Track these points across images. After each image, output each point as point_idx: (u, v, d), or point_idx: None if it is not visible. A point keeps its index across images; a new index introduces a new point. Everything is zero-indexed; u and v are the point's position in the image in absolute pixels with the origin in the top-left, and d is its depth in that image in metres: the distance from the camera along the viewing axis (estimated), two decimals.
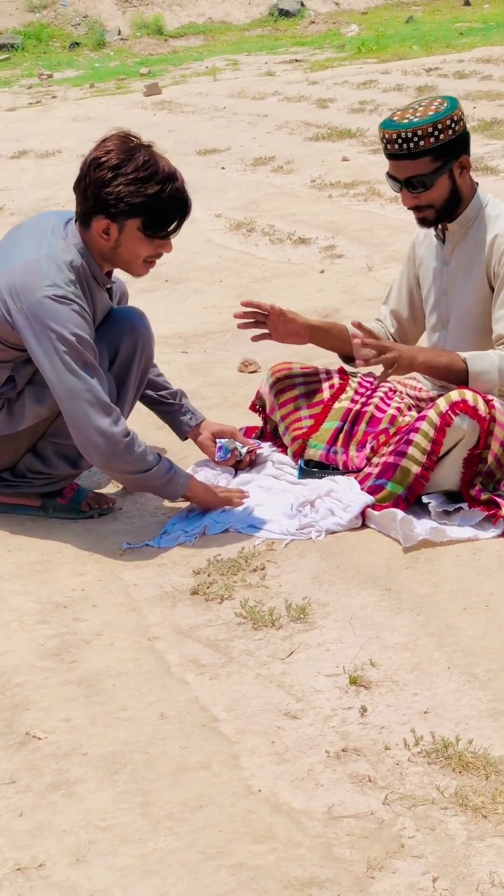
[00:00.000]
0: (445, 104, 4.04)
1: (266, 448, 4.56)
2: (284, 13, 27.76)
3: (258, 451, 4.42)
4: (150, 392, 4.40)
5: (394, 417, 4.23)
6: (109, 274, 4.04)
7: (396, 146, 4.00)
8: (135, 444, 3.84)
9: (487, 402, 3.90)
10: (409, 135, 3.97)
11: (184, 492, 4.07)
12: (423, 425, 3.89)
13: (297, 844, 2.62)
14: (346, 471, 4.25)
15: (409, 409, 4.30)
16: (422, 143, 3.98)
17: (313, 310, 6.20)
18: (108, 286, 4.05)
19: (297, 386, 4.42)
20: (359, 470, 4.19)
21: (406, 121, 3.97)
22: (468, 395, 3.88)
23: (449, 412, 3.85)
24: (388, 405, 4.30)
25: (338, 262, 7.28)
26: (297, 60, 19.61)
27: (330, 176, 9.50)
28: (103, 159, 3.75)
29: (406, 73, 15.26)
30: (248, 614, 3.52)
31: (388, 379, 4.29)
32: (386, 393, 4.40)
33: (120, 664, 3.34)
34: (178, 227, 3.89)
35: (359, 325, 4.06)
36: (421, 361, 4.04)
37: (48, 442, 4.09)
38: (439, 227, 4.27)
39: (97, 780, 2.83)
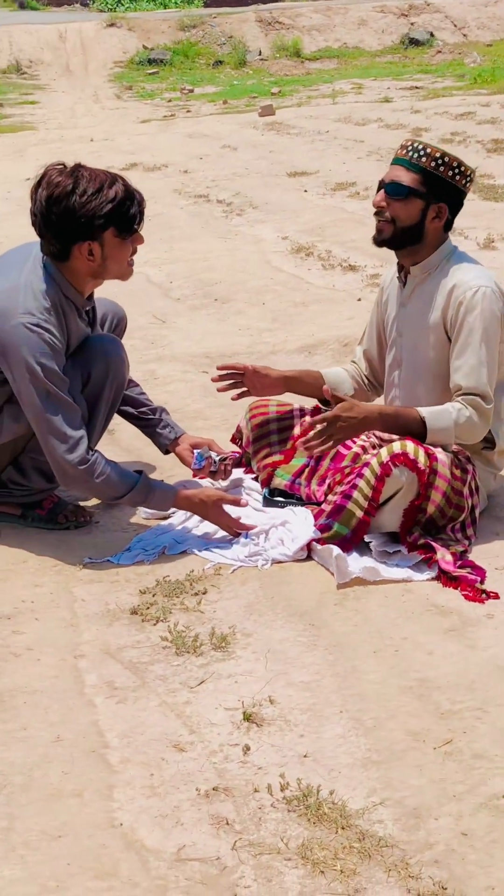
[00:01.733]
0: (467, 164, 3.88)
1: (241, 474, 4.37)
2: (414, 42, 27.31)
3: (232, 460, 4.22)
4: (129, 409, 4.29)
5: (357, 455, 4.02)
6: (91, 297, 3.89)
7: (404, 151, 3.88)
8: (94, 471, 3.71)
9: (429, 454, 3.68)
10: (420, 147, 3.85)
11: (171, 507, 3.94)
12: (367, 472, 3.70)
13: (135, 885, 2.47)
14: (308, 502, 4.05)
15: (374, 447, 4.08)
16: (423, 160, 3.84)
17: (335, 338, 6.00)
18: (87, 309, 3.88)
19: (271, 433, 4.28)
20: (319, 503, 3.98)
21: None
22: (409, 447, 3.66)
23: (389, 463, 3.64)
24: (354, 443, 4.09)
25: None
26: (416, 87, 19.24)
27: None
28: (57, 193, 3.64)
29: None
30: (173, 639, 3.35)
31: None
32: None
33: (38, 681, 3.20)
34: (142, 217, 3.78)
35: (328, 392, 3.87)
36: (377, 414, 3.82)
37: (27, 456, 3.98)
38: (402, 271, 4.03)
39: None
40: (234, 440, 4.48)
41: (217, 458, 4.13)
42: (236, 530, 3.89)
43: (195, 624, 3.47)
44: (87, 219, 3.64)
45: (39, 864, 2.52)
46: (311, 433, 3.78)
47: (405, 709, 3.03)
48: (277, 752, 2.89)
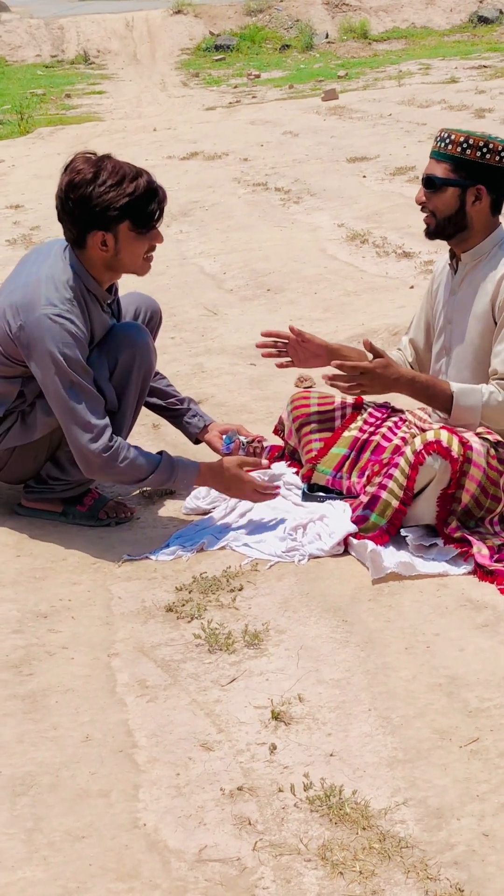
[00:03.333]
0: (501, 139, 3.83)
1: (283, 467, 4.37)
2: (483, 20, 27.04)
3: (261, 444, 4.22)
4: (158, 401, 4.33)
5: (398, 448, 4.00)
6: (111, 289, 3.91)
7: (435, 143, 3.87)
8: (118, 456, 3.75)
9: (463, 443, 3.64)
10: (445, 136, 3.84)
11: (194, 484, 3.98)
12: (402, 461, 3.68)
13: (156, 886, 2.49)
14: (349, 496, 4.04)
15: (415, 438, 4.05)
16: (449, 147, 3.82)
17: (385, 327, 5.97)
18: (108, 301, 3.90)
19: (311, 423, 4.24)
20: (358, 496, 3.97)
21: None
22: (443, 435, 3.64)
23: (422, 451, 3.63)
24: (395, 434, 4.07)
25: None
26: (484, 66, 19.03)
27: None
28: (77, 179, 3.69)
29: None
30: (206, 637, 3.36)
31: (402, 409, 4.11)
32: (395, 423, 4.17)
33: (71, 680, 3.23)
34: (161, 215, 3.80)
35: (369, 345, 3.84)
36: (409, 378, 3.84)
37: (63, 450, 4.02)
38: (453, 258, 4.00)
39: None
40: (276, 432, 4.48)
41: (245, 441, 4.14)
42: (262, 495, 3.90)
43: (229, 621, 3.48)
44: (101, 209, 3.69)
45: (62, 865, 2.54)
46: (343, 376, 3.78)
47: (433, 706, 3.02)
48: (304, 752, 2.88)
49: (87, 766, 2.86)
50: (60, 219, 3.79)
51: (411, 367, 4.28)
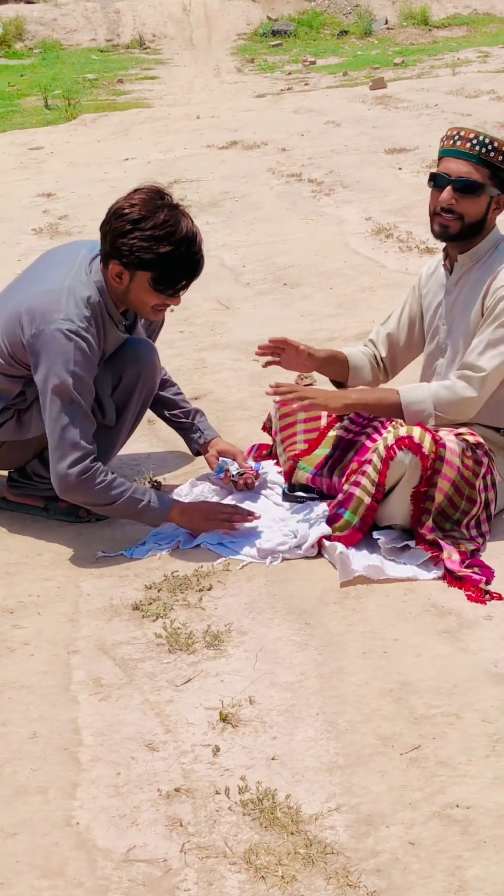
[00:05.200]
0: None
1: (270, 465, 4.41)
2: None
3: (253, 477, 4.25)
4: (165, 412, 4.42)
5: None
6: (125, 313, 3.96)
7: (469, 145, 3.80)
8: (90, 483, 3.79)
9: (436, 440, 3.67)
10: (487, 141, 3.79)
11: (164, 521, 3.97)
12: (374, 457, 3.71)
13: (78, 885, 2.54)
14: (328, 495, 4.07)
15: (387, 434, 4.07)
16: (492, 154, 3.79)
17: None
18: (124, 323, 3.96)
19: (298, 421, 4.29)
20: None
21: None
22: (416, 431, 3.67)
23: (393, 446, 3.66)
24: (380, 435, 4.10)
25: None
26: None
27: None
28: (126, 211, 3.71)
29: None
30: (167, 636, 3.42)
31: None
32: (382, 423, 4.19)
33: (28, 676, 3.29)
34: (186, 286, 3.81)
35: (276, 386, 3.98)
36: (354, 399, 3.90)
37: None
38: (447, 258, 4.02)
39: None
40: (265, 429, 4.53)
41: (235, 473, 4.20)
42: (236, 524, 3.93)
43: (194, 621, 3.53)
44: (127, 249, 3.73)
45: None
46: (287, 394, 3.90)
47: (381, 712, 3.05)
48: (247, 754, 2.93)
49: (29, 762, 2.93)
50: (100, 229, 3.85)
51: (381, 362, 4.29)
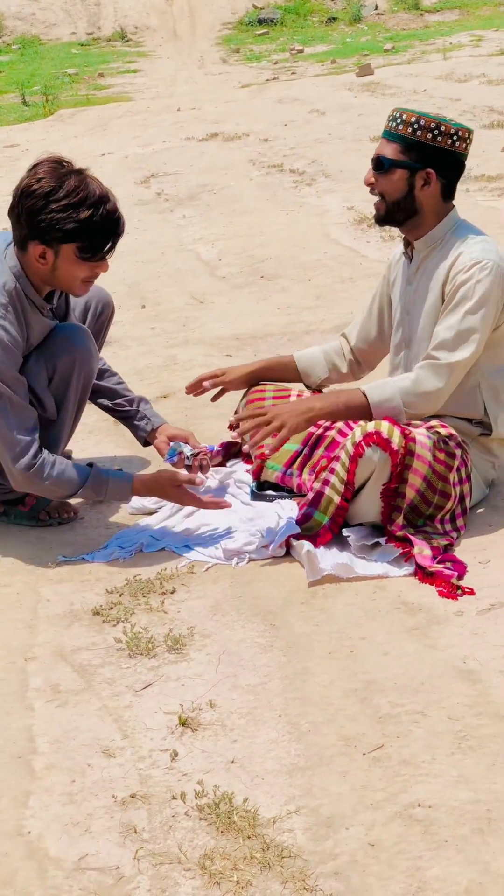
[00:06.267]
0: (455, 123, 3.88)
1: (238, 465, 4.43)
2: None
3: (208, 458, 4.26)
4: (106, 402, 4.39)
5: None
6: (50, 296, 3.97)
7: (388, 122, 3.90)
8: (42, 473, 3.81)
9: (406, 435, 3.68)
10: (397, 115, 3.86)
11: (131, 495, 4.01)
12: (342, 455, 3.72)
13: (28, 895, 2.55)
14: (298, 494, 4.09)
15: (355, 430, 4.09)
16: (401, 127, 3.85)
17: None
18: (49, 307, 3.96)
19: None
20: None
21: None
22: (384, 426, 3.69)
23: (361, 443, 3.67)
24: (350, 430, 4.11)
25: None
26: None
27: (481, 168, 9.10)
28: (34, 187, 3.69)
29: None
30: (127, 641, 3.44)
31: None
32: None
33: None
34: (113, 247, 3.79)
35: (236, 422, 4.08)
36: (318, 409, 3.88)
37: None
38: (408, 246, 4.05)
39: None
40: (231, 427, 4.52)
41: (189, 454, 4.19)
42: (206, 505, 3.94)
43: (156, 625, 3.55)
44: (47, 224, 3.71)
45: None
46: (246, 419, 3.95)
47: (344, 712, 3.07)
48: (206, 758, 2.95)
49: None
50: (9, 215, 3.83)
51: (353, 356, 4.33)
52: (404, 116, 3.83)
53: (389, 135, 3.88)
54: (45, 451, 3.85)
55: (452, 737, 2.93)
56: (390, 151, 3.87)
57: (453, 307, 3.82)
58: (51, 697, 3.24)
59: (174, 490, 3.94)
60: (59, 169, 3.74)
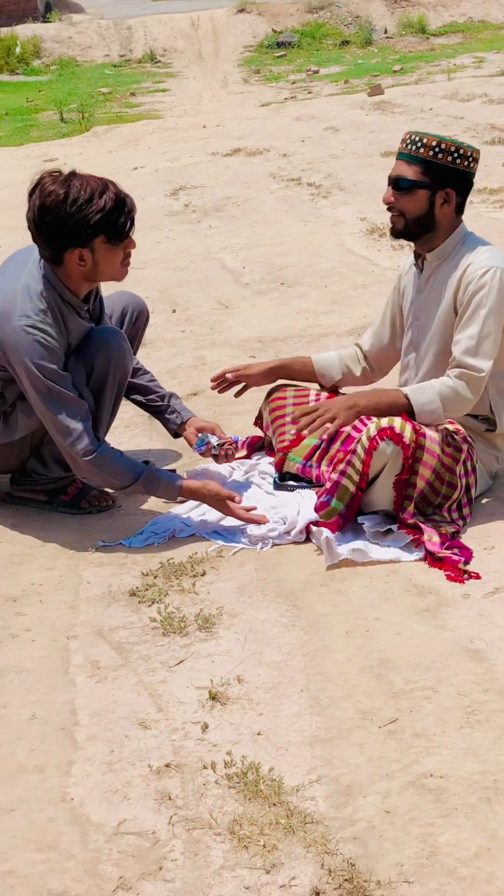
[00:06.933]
0: (468, 146, 3.87)
1: (261, 458, 4.43)
2: None
3: (233, 448, 4.25)
4: (140, 397, 4.39)
5: None
6: (88, 297, 3.96)
7: (405, 146, 3.87)
8: (100, 461, 3.78)
9: (416, 430, 3.67)
10: (417, 139, 3.83)
11: (177, 498, 4.01)
12: (358, 447, 3.71)
13: (71, 857, 2.55)
14: (318, 484, 4.08)
15: (370, 425, 4.07)
16: (421, 150, 3.82)
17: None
18: (85, 308, 3.95)
19: (286, 415, 4.26)
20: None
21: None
22: (396, 422, 3.67)
23: (376, 437, 3.66)
24: (364, 426, 4.09)
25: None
26: None
27: (483, 181, 9.03)
28: (49, 202, 3.69)
29: None
30: (162, 620, 3.43)
31: None
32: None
33: (29, 661, 3.31)
34: (132, 224, 3.80)
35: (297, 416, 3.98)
36: (363, 406, 3.85)
37: (46, 447, 4.09)
38: (419, 258, 4.03)
39: None
40: (256, 423, 4.52)
41: (216, 444, 4.19)
42: (245, 518, 3.91)
43: (187, 605, 3.53)
44: (77, 227, 3.70)
45: None
46: (300, 417, 3.91)
47: (362, 688, 3.05)
48: (234, 730, 2.94)
49: (28, 742, 2.94)
50: (34, 239, 3.82)
51: (367, 362, 4.31)
52: (425, 140, 3.80)
53: (409, 157, 3.85)
54: (105, 442, 3.84)
55: (461, 712, 2.91)
56: (411, 173, 3.84)
57: (471, 315, 3.80)
58: (91, 673, 3.23)
59: (216, 502, 3.92)
60: (58, 178, 3.75)
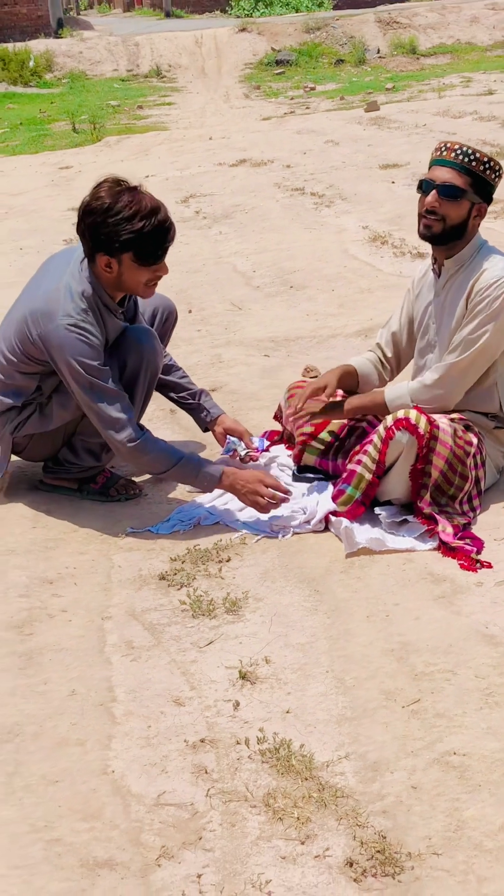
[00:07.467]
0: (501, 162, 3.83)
1: (281, 450, 4.39)
2: None
3: (258, 455, 4.24)
4: (172, 394, 4.36)
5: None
6: (123, 301, 3.93)
7: (453, 155, 3.78)
8: (145, 448, 3.76)
9: (430, 422, 3.66)
10: (470, 152, 3.77)
11: (216, 488, 3.94)
12: (375, 438, 3.71)
13: (114, 826, 2.53)
14: (334, 475, 4.05)
15: (387, 417, 4.04)
16: (474, 164, 3.76)
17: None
18: (121, 311, 3.92)
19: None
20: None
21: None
22: (412, 413, 3.66)
23: (392, 427, 3.64)
24: (379, 422, 4.07)
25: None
26: None
27: None
28: (94, 205, 3.66)
29: None
30: (191, 603, 3.40)
31: None
32: None
33: (66, 640, 3.27)
34: (164, 253, 3.74)
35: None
36: (353, 405, 3.96)
37: (78, 438, 4.06)
38: (435, 262, 4.00)
39: None
40: (276, 417, 4.50)
41: (242, 453, 4.18)
42: (268, 507, 3.87)
43: (214, 589, 3.51)
44: (106, 237, 3.66)
45: (34, 806, 2.59)
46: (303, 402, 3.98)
47: (384, 670, 3.03)
48: (264, 708, 2.91)
49: (69, 717, 2.91)
50: (78, 232, 3.79)
51: (387, 363, 4.26)
52: (477, 155, 3.76)
53: (459, 167, 3.77)
54: (148, 430, 3.82)
55: (480, 693, 2.89)
56: (462, 182, 3.78)
57: (470, 319, 3.79)
58: (126, 652, 3.20)
59: (249, 494, 3.87)
60: (115, 187, 3.70)
